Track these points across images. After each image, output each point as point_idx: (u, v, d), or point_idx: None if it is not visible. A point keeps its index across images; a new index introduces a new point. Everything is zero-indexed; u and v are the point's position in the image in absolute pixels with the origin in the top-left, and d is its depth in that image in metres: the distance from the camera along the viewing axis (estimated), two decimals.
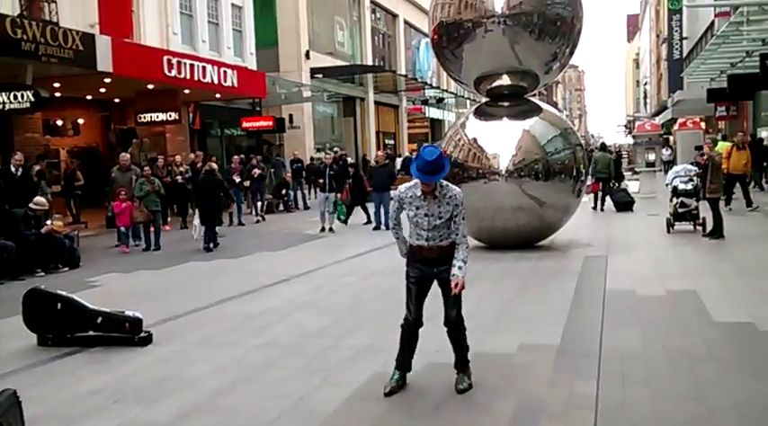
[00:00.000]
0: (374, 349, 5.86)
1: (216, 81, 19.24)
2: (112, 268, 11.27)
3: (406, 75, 37.43)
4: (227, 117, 24.54)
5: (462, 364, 4.94)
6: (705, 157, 12.20)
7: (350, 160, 21.45)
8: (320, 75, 28.55)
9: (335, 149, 20.57)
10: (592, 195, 17.59)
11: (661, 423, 4.15)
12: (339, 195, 15.64)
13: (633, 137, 29.62)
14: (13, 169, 12.22)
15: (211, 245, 12.91)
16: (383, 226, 15.03)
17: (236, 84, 20.16)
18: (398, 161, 33.09)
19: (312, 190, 22.19)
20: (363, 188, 16.42)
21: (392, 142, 38.70)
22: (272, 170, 21.86)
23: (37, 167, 16.40)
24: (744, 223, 13.20)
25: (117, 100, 20.34)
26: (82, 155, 20.72)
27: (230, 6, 23.96)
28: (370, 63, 34.56)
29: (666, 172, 20.36)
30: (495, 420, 4.30)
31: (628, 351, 5.49)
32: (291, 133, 26.82)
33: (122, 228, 13.36)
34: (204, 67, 18.75)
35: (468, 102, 39.17)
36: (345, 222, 16.21)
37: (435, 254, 4.78)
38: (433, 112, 42.86)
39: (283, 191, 21.35)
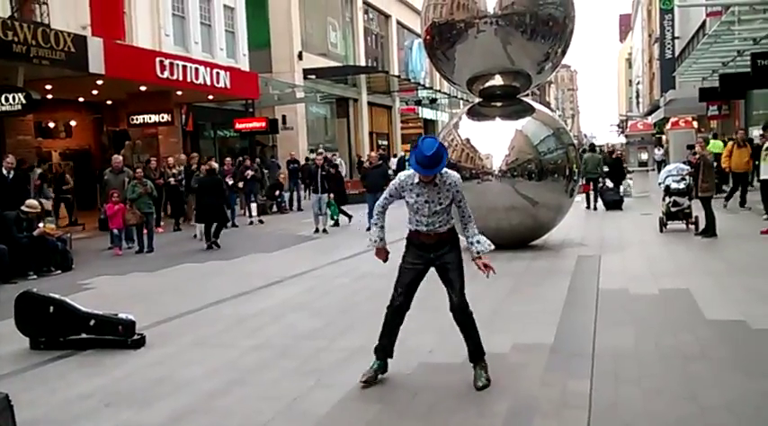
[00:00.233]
0: (367, 350, 5.82)
1: (208, 82, 19.22)
2: (105, 270, 11.24)
3: (399, 76, 37.46)
4: (220, 118, 24.51)
5: (477, 356, 4.91)
6: (697, 156, 12.23)
7: (338, 160, 21.50)
8: (313, 76, 28.55)
9: (320, 150, 20.62)
10: (584, 195, 17.77)
11: (654, 422, 4.16)
12: (330, 195, 15.69)
13: (626, 136, 29.77)
14: (4, 172, 12.17)
15: (212, 244, 13.21)
16: None
17: (228, 86, 20.13)
18: (394, 161, 33.11)
19: (307, 191, 22.19)
20: (342, 189, 16.46)
21: (385, 143, 38.69)
22: (267, 171, 21.83)
23: (39, 170, 16.39)
24: (736, 221, 13.25)
25: (109, 102, 20.28)
26: (74, 157, 20.68)
27: (222, 8, 23.93)
28: (363, 64, 34.57)
29: (659, 171, 20.47)
30: (489, 420, 4.30)
31: (621, 350, 5.50)
32: (284, 134, 26.80)
33: (115, 230, 13.33)
34: (197, 69, 18.72)
35: (461, 102, 39.21)
36: (337, 223, 16.23)
37: (433, 240, 4.86)
38: (427, 113, 42.90)
39: (276, 193, 21.34)
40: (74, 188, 17.74)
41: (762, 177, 11.90)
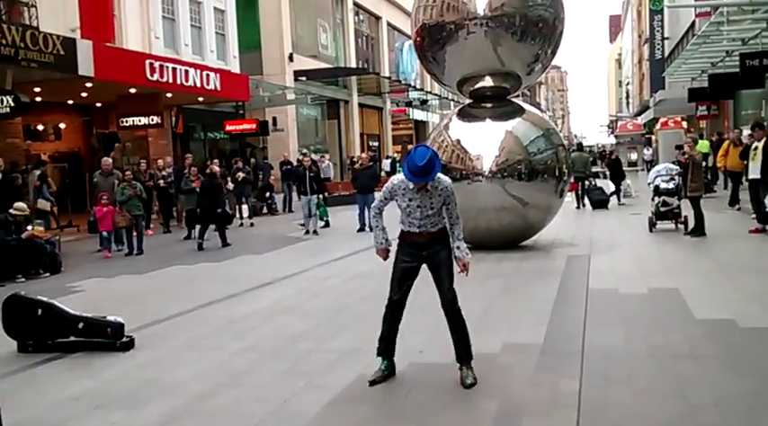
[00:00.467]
0: (358, 351, 5.85)
1: (199, 84, 19.18)
2: (94, 273, 11.19)
3: (389, 78, 37.51)
4: (211, 120, 24.46)
5: (464, 354, 4.99)
6: (686, 156, 12.29)
7: (326, 162, 21.49)
8: (304, 78, 28.55)
9: (304, 151, 20.67)
10: (574, 195, 17.91)
11: (643, 421, 4.17)
12: (320, 197, 15.69)
13: (616, 136, 29.89)
14: None
15: (201, 242, 13.52)
16: (367, 228, 15.03)
17: (219, 88, 20.09)
18: (387, 162, 33.13)
19: (296, 193, 22.15)
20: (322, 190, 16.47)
21: (376, 144, 38.74)
22: (261, 173, 21.79)
23: (37, 172, 16.32)
24: (725, 221, 13.31)
25: (99, 104, 20.21)
26: (64, 159, 20.59)
27: (213, 10, 23.90)
28: (353, 65, 34.60)
29: (648, 171, 20.59)
30: (479, 420, 4.31)
31: (610, 350, 5.51)
32: (275, 136, 26.77)
33: (104, 233, 13.28)
34: (187, 71, 18.67)
35: (451, 103, 39.28)
36: (327, 224, 16.22)
37: (425, 239, 4.99)
38: (417, 114, 42.94)
39: (267, 194, 21.30)
40: (57, 192, 17.59)
41: (750, 176, 11.95)
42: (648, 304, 7.11)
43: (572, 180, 16.38)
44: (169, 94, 19.13)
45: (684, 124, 35.18)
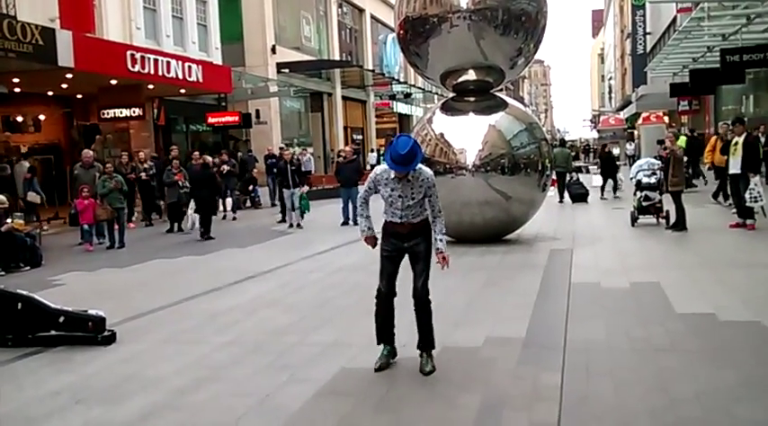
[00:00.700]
0: (340, 345, 5.85)
1: (180, 76, 19.04)
2: (75, 266, 11.09)
3: (373, 71, 37.42)
4: (193, 112, 24.26)
5: (426, 345, 5.12)
6: (667, 151, 12.38)
7: (307, 156, 21.39)
8: (287, 70, 28.40)
9: (281, 145, 20.62)
10: (557, 189, 18.11)
11: (624, 414, 4.20)
12: (303, 190, 15.67)
13: (598, 131, 30.05)
14: None
15: (201, 232, 13.78)
16: (351, 222, 15.01)
17: (201, 80, 19.95)
18: (373, 156, 33.07)
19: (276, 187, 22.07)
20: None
21: (360, 137, 38.68)
22: (249, 166, 21.66)
23: (26, 163, 16.16)
24: (706, 215, 13.44)
25: (79, 95, 20.00)
26: (44, 151, 20.37)
27: (195, 1, 23.69)
28: (337, 58, 34.47)
29: (631, 165, 20.76)
30: (461, 413, 4.32)
31: (592, 343, 5.55)
32: (258, 128, 26.62)
33: (86, 226, 13.16)
34: (168, 62, 18.53)
35: (435, 96, 39.29)
36: (283, 220, 16.18)
37: (406, 230, 5.08)
38: (401, 107, 42.92)
39: (250, 188, 21.20)
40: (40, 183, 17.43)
41: (731, 171, 12.06)
42: (630, 298, 7.16)
43: (553, 175, 16.58)
44: (151, 86, 18.96)
45: (666, 119, 35.44)
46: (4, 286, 6.79)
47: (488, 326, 6.18)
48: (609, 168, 19.47)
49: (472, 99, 11.45)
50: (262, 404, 4.62)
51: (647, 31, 46.14)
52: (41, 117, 20.23)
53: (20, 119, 19.43)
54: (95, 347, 6.10)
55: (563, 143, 22.77)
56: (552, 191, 15.27)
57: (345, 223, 15.06)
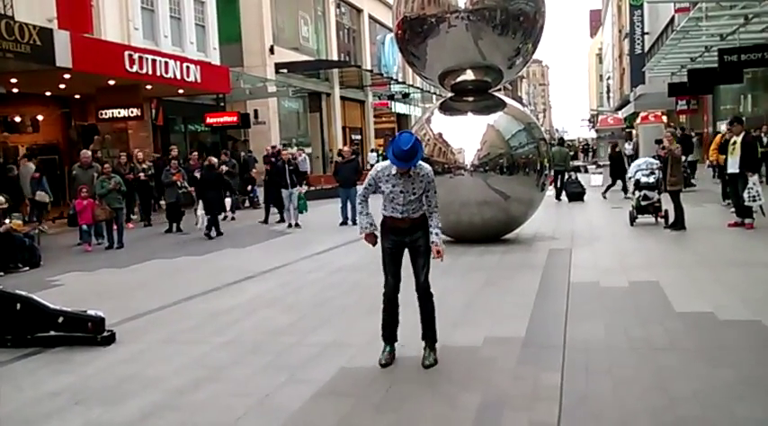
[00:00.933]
0: (340, 345, 5.85)
1: (179, 76, 19.02)
2: (74, 267, 11.08)
3: (371, 71, 37.41)
4: (191, 112, 24.25)
5: (430, 337, 5.25)
6: (665, 151, 12.39)
7: (302, 156, 21.36)
8: (285, 71, 28.38)
9: (274, 144, 20.65)
10: (554, 187, 18.42)
11: (624, 413, 4.20)
12: (301, 189, 15.73)
13: (597, 131, 30.07)
14: None
15: (213, 233, 14.01)
16: (349, 222, 15.01)
17: (199, 80, 19.94)
18: (373, 155, 33.04)
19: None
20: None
21: (359, 137, 38.67)
22: (249, 166, 21.64)
23: (31, 164, 16.17)
24: (704, 215, 13.45)
25: (77, 96, 19.97)
26: (42, 152, 20.34)
27: (193, 1, 23.67)
28: (335, 58, 34.46)
29: (629, 165, 20.78)
30: (461, 413, 4.32)
31: (591, 343, 5.55)
32: (257, 129, 26.61)
33: (84, 226, 13.15)
34: (166, 63, 18.51)
35: (433, 96, 39.28)
36: (266, 221, 16.28)
37: (407, 225, 5.20)
38: (400, 107, 42.90)
39: (249, 188, 21.18)
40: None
41: (729, 171, 12.07)
42: (629, 297, 7.17)
43: (551, 173, 16.64)
44: (149, 86, 18.95)
45: (665, 118, 35.45)
46: (3, 286, 6.78)
47: (488, 326, 6.18)
48: (619, 168, 19.39)
49: (471, 99, 11.45)
50: (261, 404, 4.62)
51: (645, 30, 46.15)
52: (39, 117, 20.19)
53: (18, 119, 19.39)
54: (95, 347, 6.10)
55: (561, 142, 23.12)
56: (550, 190, 15.32)
57: (344, 223, 15.06)
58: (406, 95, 40.71)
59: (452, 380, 4.86)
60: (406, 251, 5.30)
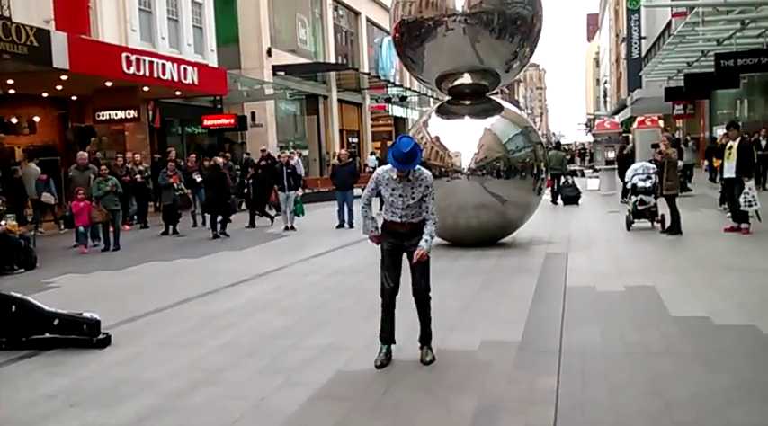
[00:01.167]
0: (336, 348, 5.85)
1: (176, 78, 19.02)
2: (70, 268, 11.06)
3: (369, 73, 37.40)
4: (188, 114, 24.25)
5: (426, 338, 5.40)
6: (662, 155, 12.41)
7: (295, 159, 21.36)
8: (282, 73, 28.37)
9: (263, 147, 20.72)
10: (550, 191, 18.62)
11: (619, 417, 4.21)
12: (298, 193, 15.74)
13: (593, 135, 30.05)
14: None
15: (218, 233, 14.31)
16: (346, 225, 15.01)
17: (196, 82, 19.94)
18: (372, 158, 33.01)
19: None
20: (264, 191, 16.44)
21: (356, 140, 38.65)
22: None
23: (34, 165, 16.19)
24: (700, 219, 13.47)
25: (74, 97, 19.97)
26: (39, 153, 20.29)
27: (190, 3, 23.67)
28: (332, 61, 34.45)
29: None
30: (457, 417, 4.32)
31: (587, 347, 5.56)
32: (254, 131, 26.59)
33: (81, 228, 13.13)
34: (164, 64, 18.51)
35: (431, 100, 39.30)
36: (271, 220, 16.37)
37: (406, 230, 5.31)
38: (397, 110, 42.91)
39: (245, 190, 21.12)
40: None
41: (725, 176, 12.10)
42: (625, 301, 7.17)
43: (548, 177, 16.69)
44: (146, 88, 18.95)
45: (661, 123, 35.49)
46: None
47: (484, 330, 6.18)
48: (625, 171, 19.35)
49: (468, 102, 11.46)
50: (257, 408, 4.61)
51: (642, 35, 46.28)
52: (36, 118, 20.17)
53: (14, 120, 19.38)
54: (90, 350, 6.08)
55: (558, 146, 23.69)
56: (547, 194, 15.35)
57: (341, 226, 15.05)
58: (403, 98, 40.72)
59: (448, 384, 4.86)
60: (405, 255, 5.38)
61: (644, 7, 41.00)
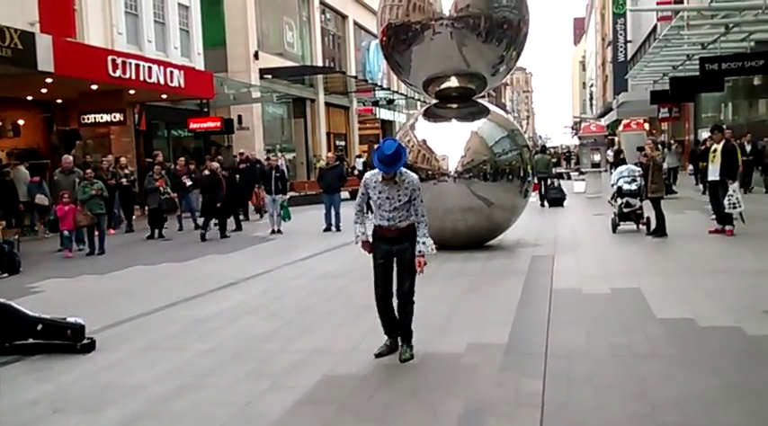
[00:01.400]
0: (323, 352, 5.83)
1: (162, 81, 18.91)
2: (55, 273, 10.98)
3: (356, 77, 37.41)
4: (174, 118, 24.13)
5: (407, 336, 5.51)
6: (647, 158, 12.49)
7: (280, 161, 21.32)
8: (269, 76, 28.31)
9: (242, 151, 20.70)
10: (538, 194, 18.72)
11: (605, 420, 4.22)
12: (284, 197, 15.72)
13: (579, 138, 30.21)
14: None
15: (222, 235, 14.67)
16: (333, 228, 14.99)
17: (182, 85, 19.84)
18: (360, 161, 33.00)
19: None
20: (239, 195, 16.42)
21: (343, 143, 38.63)
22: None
23: (23, 168, 16.07)
24: (685, 222, 13.55)
25: (59, 100, 19.81)
26: (23, 157, 20.12)
27: (177, 6, 23.57)
28: (320, 64, 34.42)
29: (611, 172, 21.02)
30: (444, 420, 4.31)
31: (573, 350, 5.57)
32: (240, 134, 26.50)
33: (65, 232, 13.03)
34: (150, 68, 18.40)
35: (418, 103, 39.34)
36: (239, 227, 16.23)
37: (394, 234, 5.41)
38: (384, 114, 42.94)
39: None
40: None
41: (709, 178, 12.18)
42: (611, 304, 7.20)
43: (535, 180, 16.81)
44: (132, 91, 18.84)
45: (647, 126, 35.72)
46: None
47: (470, 333, 6.19)
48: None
49: (455, 106, 11.48)
50: (243, 412, 4.59)
51: (628, 38, 46.62)
52: (20, 122, 19.97)
53: None
54: (74, 355, 6.03)
55: (543, 150, 24.06)
56: (534, 196, 15.43)
57: (328, 229, 15.03)
58: (390, 102, 40.76)
59: (435, 387, 4.86)
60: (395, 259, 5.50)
61: (630, 11, 41.32)
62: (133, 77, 17.68)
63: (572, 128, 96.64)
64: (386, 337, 5.60)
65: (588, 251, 10.91)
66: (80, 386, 5.29)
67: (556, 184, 19.80)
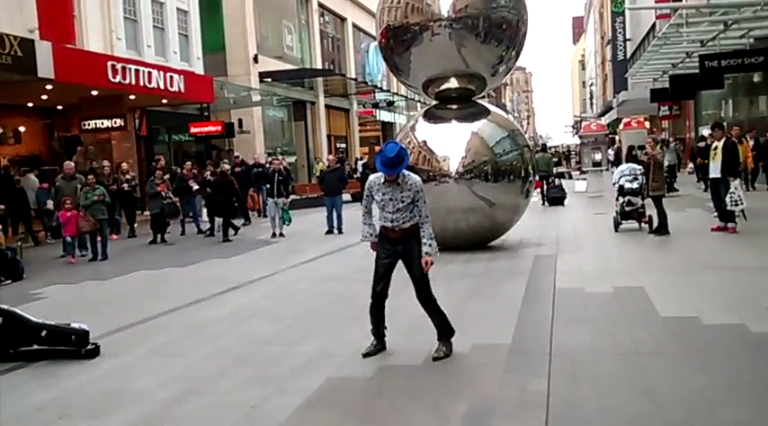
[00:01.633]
0: (326, 354, 5.83)
1: (162, 86, 18.94)
2: (58, 279, 10.99)
3: (355, 79, 37.41)
4: (175, 122, 24.14)
5: (443, 334, 5.63)
6: (648, 156, 12.48)
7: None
8: (269, 79, 28.33)
9: (236, 154, 20.71)
10: (539, 192, 18.85)
11: (610, 419, 4.22)
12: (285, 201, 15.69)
13: (580, 137, 30.22)
14: None
15: (230, 236, 14.94)
16: (335, 231, 14.99)
17: (182, 90, 19.86)
18: (360, 164, 33.04)
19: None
20: (230, 200, 16.20)
21: (344, 145, 38.64)
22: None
23: (33, 176, 16.14)
24: (687, 219, 13.54)
25: (60, 106, 19.86)
26: (26, 164, 20.15)
27: (176, 11, 23.61)
28: (319, 66, 34.44)
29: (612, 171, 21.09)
30: (449, 422, 4.31)
31: (577, 349, 5.57)
32: (241, 138, 26.51)
33: (68, 238, 13.04)
34: (150, 73, 18.43)
35: (418, 104, 39.34)
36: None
37: (399, 236, 5.53)
38: (384, 115, 42.94)
39: (234, 198, 21.06)
40: None
41: (711, 176, 12.17)
42: (614, 302, 7.20)
43: (537, 178, 16.87)
44: (132, 96, 18.87)
45: (647, 124, 35.71)
46: None
47: (474, 334, 6.18)
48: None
49: (455, 106, 11.49)
50: (248, 416, 4.59)
51: (627, 37, 46.58)
52: (21, 128, 20.04)
53: None
54: (79, 361, 6.04)
55: (544, 148, 24.46)
56: (536, 195, 15.45)
57: (330, 232, 15.03)
58: (390, 103, 40.75)
59: (439, 388, 4.86)
60: (400, 261, 5.60)
61: (628, 9, 41.25)
62: (133, 83, 17.71)
63: (573, 127, 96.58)
64: (373, 338, 5.70)
65: (591, 250, 10.90)
66: (85, 391, 5.30)
67: (557, 183, 19.86)
